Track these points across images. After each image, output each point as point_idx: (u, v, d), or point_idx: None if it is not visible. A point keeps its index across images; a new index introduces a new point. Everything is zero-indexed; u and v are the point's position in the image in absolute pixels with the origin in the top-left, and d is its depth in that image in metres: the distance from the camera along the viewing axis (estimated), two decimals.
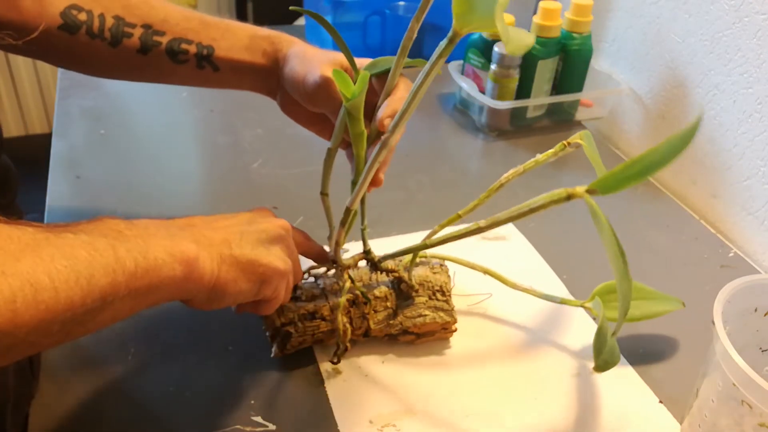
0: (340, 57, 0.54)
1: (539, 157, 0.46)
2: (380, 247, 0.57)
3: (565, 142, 0.45)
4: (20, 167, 0.67)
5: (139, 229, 0.38)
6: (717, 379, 0.45)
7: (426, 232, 0.71)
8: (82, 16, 0.54)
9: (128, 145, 0.85)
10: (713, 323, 0.45)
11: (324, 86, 0.52)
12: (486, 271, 0.58)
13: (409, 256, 0.56)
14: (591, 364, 0.56)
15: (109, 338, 0.56)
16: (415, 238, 0.70)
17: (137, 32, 0.55)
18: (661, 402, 0.54)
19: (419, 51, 1.07)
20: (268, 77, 0.58)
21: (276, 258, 0.46)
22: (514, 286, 0.57)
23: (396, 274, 0.55)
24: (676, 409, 0.53)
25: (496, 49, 0.88)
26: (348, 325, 0.53)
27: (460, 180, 0.83)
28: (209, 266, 0.41)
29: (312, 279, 0.57)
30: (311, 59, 0.54)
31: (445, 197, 0.78)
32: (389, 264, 0.55)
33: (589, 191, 0.38)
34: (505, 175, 0.48)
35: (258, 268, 0.44)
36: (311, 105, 0.55)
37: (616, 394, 0.54)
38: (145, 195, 0.75)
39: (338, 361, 0.54)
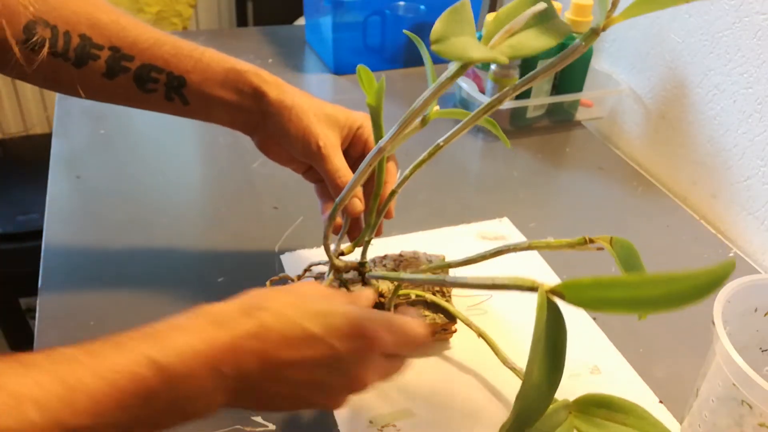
0: (335, 112, 0.54)
1: (551, 241, 0.43)
2: (381, 246, 0.56)
3: (587, 237, 0.41)
4: (20, 167, 0.67)
5: (178, 392, 0.34)
6: (717, 379, 0.45)
7: (426, 232, 0.71)
8: (46, 33, 0.50)
9: (128, 145, 0.85)
10: (713, 323, 0.45)
11: (323, 153, 0.52)
12: (480, 334, 0.55)
13: (402, 283, 0.53)
14: (591, 365, 0.56)
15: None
16: (415, 239, 0.70)
17: (104, 54, 0.51)
18: (661, 402, 0.54)
19: (418, 54, 1.06)
20: (241, 116, 0.55)
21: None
22: (504, 361, 0.53)
23: (383, 299, 0.54)
24: (676, 409, 0.53)
25: None
26: None
27: (460, 180, 0.83)
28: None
29: (312, 279, 0.57)
30: (306, 114, 0.53)
31: (445, 197, 0.78)
32: (382, 287, 0.54)
33: (553, 292, 0.33)
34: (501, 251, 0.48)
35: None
36: (304, 160, 0.55)
37: (616, 394, 0.54)
38: (145, 195, 0.75)
39: None
